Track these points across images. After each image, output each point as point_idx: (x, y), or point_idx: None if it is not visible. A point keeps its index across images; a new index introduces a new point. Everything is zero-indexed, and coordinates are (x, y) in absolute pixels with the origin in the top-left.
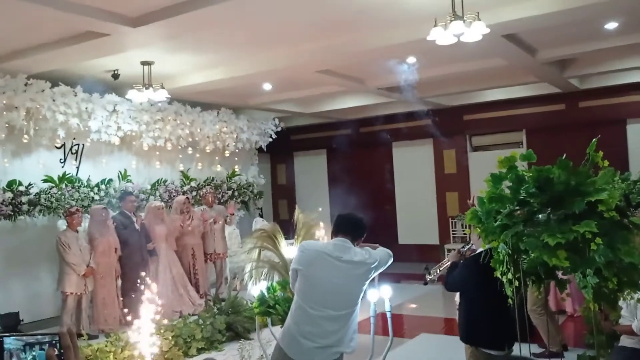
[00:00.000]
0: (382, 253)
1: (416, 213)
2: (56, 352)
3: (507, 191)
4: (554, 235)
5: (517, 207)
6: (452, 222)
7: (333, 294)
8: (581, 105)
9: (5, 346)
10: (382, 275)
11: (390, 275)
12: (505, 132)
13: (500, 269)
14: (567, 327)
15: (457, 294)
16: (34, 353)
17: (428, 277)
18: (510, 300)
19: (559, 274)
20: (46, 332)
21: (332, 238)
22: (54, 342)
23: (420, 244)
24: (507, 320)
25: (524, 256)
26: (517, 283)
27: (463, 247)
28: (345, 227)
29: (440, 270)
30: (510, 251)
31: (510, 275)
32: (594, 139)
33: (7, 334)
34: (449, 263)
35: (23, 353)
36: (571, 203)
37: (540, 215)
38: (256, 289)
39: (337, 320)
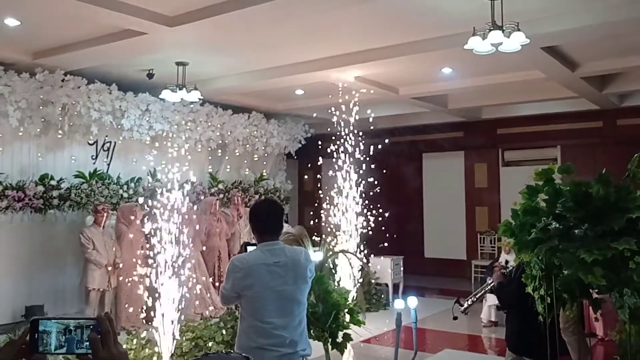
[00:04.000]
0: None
1: (444, 226)
2: (99, 336)
3: (543, 204)
4: (591, 251)
5: (553, 221)
6: (480, 237)
7: (280, 301)
8: (619, 123)
9: (45, 328)
10: (407, 288)
11: (414, 288)
12: (539, 148)
13: (532, 284)
14: (596, 350)
15: (485, 310)
16: (75, 337)
17: (461, 308)
18: (540, 317)
19: (594, 293)
20: (86, 317)
21: (256, 238)
22: (92, 326)
23: (447, 258)
24: (554, 333)
25: (557, 272)
26: (549, 300)
27: (504, 266)
28: (271, 227)
29: (475, 299)
30: (543, 266)
31: (542, 292)
32: (635, 154)
33: (48, 317)
34: (488, 288)
35: (64, 336)
36: (610, 219)
37: (576, 231)
38: None
39: (290, 327)
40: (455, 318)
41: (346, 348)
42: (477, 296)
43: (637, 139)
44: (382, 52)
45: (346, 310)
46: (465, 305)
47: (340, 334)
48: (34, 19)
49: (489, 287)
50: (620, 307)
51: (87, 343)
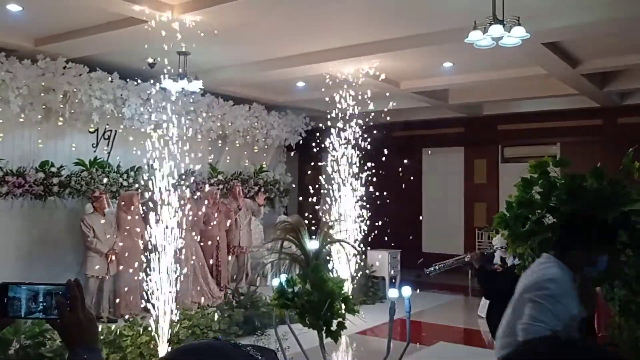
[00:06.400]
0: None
1: (442, 222)
2: (68, 302)
3: (537, 197)
4: None
5: (546, 214)
6: (478, 233)
7: None
8: (620, 121)
9: (15, 294)
10: (403, 281)
11: (411, 282)
12: (538, 145)
13: None
14: None
15: (483, 303)
16: (44, 303)
17: (428, 270)
18: None
19: None
20: (56, 284)
21: None
22: (61, 292)
23: (445, 253)
24: None
25: None
26: None
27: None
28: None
29: (444, 266)
30: (536, 258)
31: None
32: (630, 149)
33: (18, 283)
34: (461, 262)
35: (34, 302)
36: (603, 212)
37: None
38: (276, 281)
39: None
40: (418, 276)
41: (340, 337)
42: (447, 266)
43: (638, 137)
44: (382, 45)
45: (341, 299)
46: (432, 269)
47: (335, 322)
48: (36, 5)
49: (461, 261)
50: (611, 299)
51: (57, 309)
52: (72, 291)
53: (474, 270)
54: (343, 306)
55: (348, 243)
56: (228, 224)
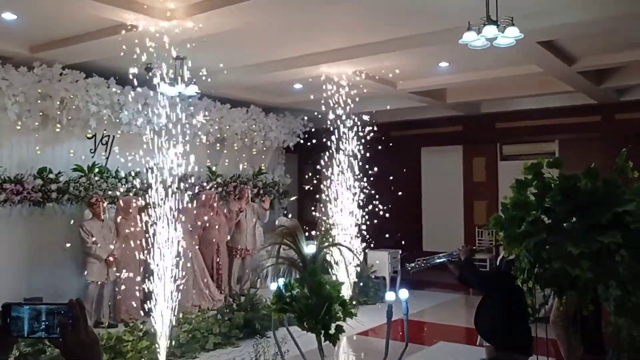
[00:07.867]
0: None
1: (442, 220)
2: (70, 321)
3: (532, 198)
4: (578, 244)
5: (541, 215)
6: (478, 231)
7: None
8: (618, 117)
9: (18, 314)
10: (404, 281)
11: (412, 281)
12: (537, 143)
13: (521, 277)
14: None
15: None
16: (47, 322)
17: (410, 266)
18: (529, 309)
19: None
20: (58, 303)
21: None
22: (63, 312)
23: (445, 251)
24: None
25: (546, 265)
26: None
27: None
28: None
29: (427, 263)
30: (532, 259)
31: (530, 284)
32: (623, 149)
33: (20, 303)
34: (447, 259)
35: (36, 322)
36: (597, 213)
37: (564, 224)
38: (274, 285)
39: None
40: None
41: (339, 340)
42: (427, 262)
43: (636, 133)
44: (378, 47)
45: (338, 302)
46: (414, 264)
47: (333, 325)
48: (31, 12)
49: (449, 257)
50: (606, 299)
51: (59, 328)
52: (74, 311)
53: (458, 265)
54: (341, 310)
55: (346, 247)
56: (228, 229)
